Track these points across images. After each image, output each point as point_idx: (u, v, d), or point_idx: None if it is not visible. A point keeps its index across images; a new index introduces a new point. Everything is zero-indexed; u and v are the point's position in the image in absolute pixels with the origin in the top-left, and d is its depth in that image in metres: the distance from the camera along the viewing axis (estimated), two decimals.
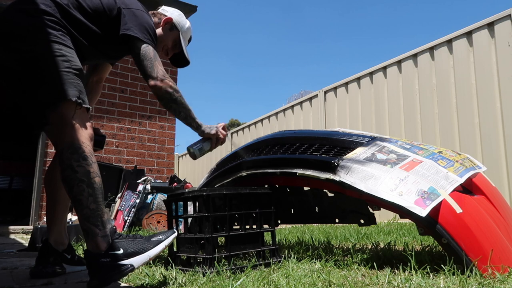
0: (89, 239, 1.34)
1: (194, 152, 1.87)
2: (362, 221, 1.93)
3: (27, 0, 1.55)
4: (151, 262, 1.95)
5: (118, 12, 1.69)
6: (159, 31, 1.92)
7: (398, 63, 4.62)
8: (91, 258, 1.32)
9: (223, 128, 1.90)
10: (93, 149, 1.54)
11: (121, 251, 1.32)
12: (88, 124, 1.48)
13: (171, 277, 1.48)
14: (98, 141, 1.77)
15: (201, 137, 1.88)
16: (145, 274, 1.58)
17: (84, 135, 1.44)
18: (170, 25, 1.99)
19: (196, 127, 1.81)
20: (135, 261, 1.33)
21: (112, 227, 1.39)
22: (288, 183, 2.04)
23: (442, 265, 1.34)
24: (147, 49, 1.67)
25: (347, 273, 1.43)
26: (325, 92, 5.68)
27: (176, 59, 2.08)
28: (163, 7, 2.08)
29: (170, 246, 1.81)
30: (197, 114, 1.84)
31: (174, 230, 1.49)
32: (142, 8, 1.79)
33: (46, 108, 1.44)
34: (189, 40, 2.11)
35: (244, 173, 1.93)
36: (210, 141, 1.86)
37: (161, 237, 1.41)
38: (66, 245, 1.83)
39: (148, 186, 4.65)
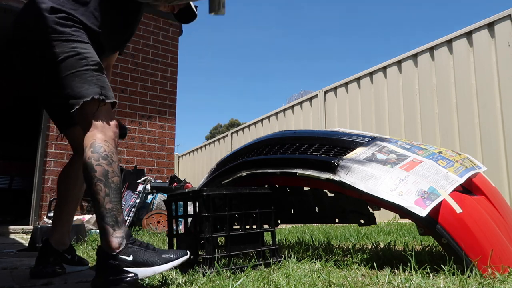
0: (103, 237, 1.34)
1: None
2: (362, 221, 1.93)
3: (35, 0, 1.52)
4: None
5: None
6: None
7: (398, 63, 4.62)
8: (102, 257, 1.32)
9: None
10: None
11: (131, 258, 1.32)
12: (112, 122, 1.47)
13: (171, 277, 1.48)
14: (121, 133, 1.66)
15: None
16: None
17: (108, 133, 1.44)
18: None
19: None
20: (141, 272, 1.31)
21: (128, 230, 1.39)
22: (288, 183, 2.04)
23: (442, 265, 1.34)
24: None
25: (347, 273, 1.43)
26: (325, 92, 5.68)
27: (182, 14, 1.90)
28: None
29: (170, 245, 1.81)
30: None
31: (187, 252, 1.42)
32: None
33: (71, 110, 1.43)
34: None
35: (244, 173, 1.93)
36: None
37: (172, 255, 1.38)
38: (67, 246, 1.83)
39: (148, 186, 4.65)
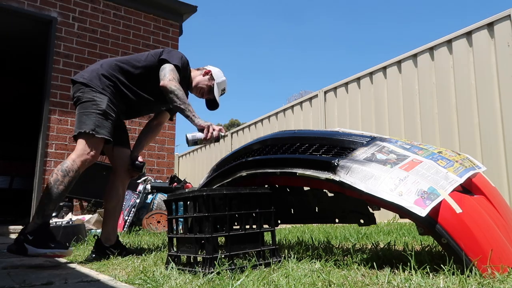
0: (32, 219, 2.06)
1: (187, 138, 2.20)
2: (362, 221, 1.93)
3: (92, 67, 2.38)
4: (152, 262, 1.96)
5: (160, 58, 2.39)
6: (200, 77, 2.57)
7: (398, 63, 4.63)
8: (22, 231, 2.01)
9: (220, 130, 2.25)
10: (134, 172, 2.45)
11: (31, 237, 1.97)
12: (91, 152, 2.14)
13: (171, 277, 1.49)
14: (138, 166, 2.44)
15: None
16: (145, 274, 1.58)
17: (81, 157, 2.11)
18: (209, 75, 2.58)
19: (192, 119, 2.23)
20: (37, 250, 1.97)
21: (47, 221, 2.07)
22: (288, 183, 2.05)
23: (442, 265, 1.34)
24: (167, 65, 2.32)
25: (347, 273, 1.43)
26: (325, 92, 5.68)
27: (210, 103, 2.63)
28: (209, 66, 2.68)
29: (170, 245, 1.81)
30: (197, 114, 2.28)
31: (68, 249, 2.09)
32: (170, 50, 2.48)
33: (73, 134, 2.20)
34: (223, 92, 2.65)
35: (244, 173, 1.94)
36: (203, 132, 2.21)
37: (53, 245, 2.03)
38: (113, 242, 2.39)
39: (148, 186, 4.65)
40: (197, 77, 2.57)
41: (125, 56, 2.50)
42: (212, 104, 2.62)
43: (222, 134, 2.25)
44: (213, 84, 2.56)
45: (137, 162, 2.44)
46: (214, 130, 2.20)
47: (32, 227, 2.00)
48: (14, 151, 8.49)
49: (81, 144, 2.13)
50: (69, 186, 2.06)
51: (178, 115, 2.49)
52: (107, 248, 2.33)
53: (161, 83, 2.23)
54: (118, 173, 2.42)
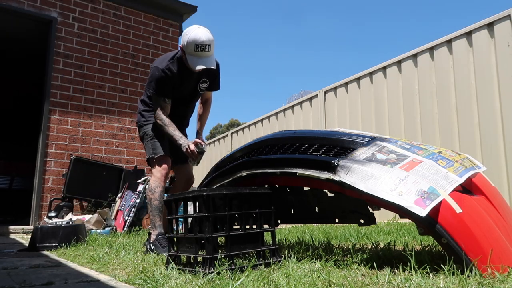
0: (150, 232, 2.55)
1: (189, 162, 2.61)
2: (362, 221, 1.93)
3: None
4: (152, 262, 1.96)
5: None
6: (183, 58, 2.51)
7: (398, 63, 4.62)
8: (147, 240, 2.57)
9: (195, 143, 2.46)
10: (196, 154, 2.59)
11: (153, 247, 2.41)
12: (161, 167, 2.59)
13: (171, 277, 1.49)
14: (200, 149, 2.57)
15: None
16: (145, 274, 1.58)
17: (157, 175, 2.58)
18: (182, 52, 2.50)
19: (175, 141, 2.51)
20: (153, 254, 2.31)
21: (160, 231, 2.50)
22: (288, 183, 2.05)
23: (442, 265, 1.34)
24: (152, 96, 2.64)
25: (347, 273, 1.43)
26: (325, 92, 5.68)
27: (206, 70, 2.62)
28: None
29: (170, 245, 1.81)
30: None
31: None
32: (157, 64, 2.58)
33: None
34: (199, 47, 2.40)
35: (244, 173, 1.94)
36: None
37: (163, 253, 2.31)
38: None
39: None
40: (183, 59, 2.52)
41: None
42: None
43: (201, 147, 2.45)
44: (185, 58, 2.48)
45: (199, 144, 2.55)
46: (188, 149, 2.44)
47: (153, 238, 2.47)
48: (14, 151, 8.49)
49: (151, 165, 2.64)
50: (162, 198, 2.53)
51: None
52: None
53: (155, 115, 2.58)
54: (177, 185, 2.85)
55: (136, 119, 2.83)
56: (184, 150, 2.45)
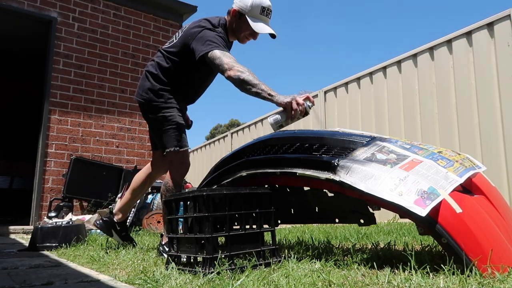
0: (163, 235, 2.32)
1: (270, 123, 1.92)
2: (362, 221, 1.93)
3: (146, 74, 2.37)
4: (153, 262, 1.96)
5: (191, 47, 2.19)
6: (232, 25, 2.30)
7: (398, 63, 4.63)
8: (159, 243, 2.31)
9: (307, 98, 1.90)
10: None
11: (167, 249, 2.05)
12: (182, 162, 2.31)
13: (171, 277, 1.49)
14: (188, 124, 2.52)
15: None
16: (145, 274, 1.58)
17: (177, 172, 2.29)
18: (236, 15, 2.27)
19: (270, 99, 1.93)
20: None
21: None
22: (288, 183, 2.05)
23: (442, 265, 1.34)
24: (212, 54, 2.07)
25: (347, 273, 1.43)
26: (325, 92, 5.68)
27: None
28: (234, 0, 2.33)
29: (170, 245, 1.81)
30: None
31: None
32: (201, 25, 2.21)
33: (163, 153, 2.34)
34: (265, 11, 2.25)
35: (244, 173, 1.94)
36: (286, 111, 1.90)
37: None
38: (122, 220, 2.72)
39: None
40: (232, 26, 2.29)
41: (156, 58, 2.39)
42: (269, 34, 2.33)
43: (310, 104, 1.90)
44: (247, 20, 2.23)
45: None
46: (298, 104, 1.87)
47: (165, 240, 2.23)
48: (14, 151, 8.49)
49: (171, 159, 2.30)
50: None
51: None
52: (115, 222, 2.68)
53: (225, 75, 2.02)
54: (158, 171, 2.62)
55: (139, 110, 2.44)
56: (291, 103, 1.87)
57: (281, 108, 1.94)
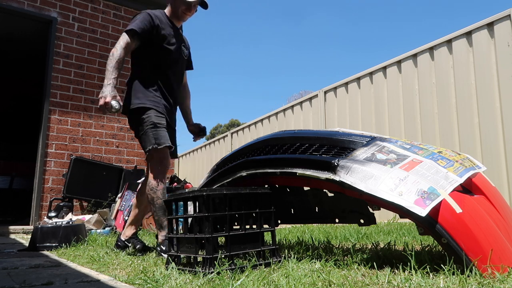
0: (157, 234, 2.35)
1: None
2: (362, 221, 1.93)
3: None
4: (153, 262, 1.96)
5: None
6: (171, 9, 2.56)
7: (398, 63, 4.63)
8: (157, 243, 2.35)
9: (106, 104, 2.15)
10: (199, 137, 2.85)
11: (164, 248, 2.22)
12: (163, 160, 2.33)
13: (171, 277, 1.49)
14: (202, 130, 2.84)
15: None
16: (145, 274, 1.58)
17: (157, 170, 2.32)
18: (169, 3, 2.55)
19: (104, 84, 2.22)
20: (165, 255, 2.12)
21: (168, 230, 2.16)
22: (288, 183, 2.04)
23: (442, 265, 1.34)
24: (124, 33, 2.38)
25: (347, 273, 1.43)
26: (325, 92, 5.68)
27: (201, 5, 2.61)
28: None
29: (170, 245, 1.81)
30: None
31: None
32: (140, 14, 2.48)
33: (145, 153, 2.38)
34: None
35: (244, 173, 1.94)
36: None
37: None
38: (129, 236, 2.61)
39: None
40: (171, 10, 2.55)
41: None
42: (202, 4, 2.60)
43: (114, 104, 2.16)
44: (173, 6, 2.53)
45: (195, 125, 2.77)
46: (101, 101, 2.17)
47: (161, 239, 2.29)
48: (14, 151, 8.49)
49: (150, 160, 2.37)
50: (164, 196, 2.29)
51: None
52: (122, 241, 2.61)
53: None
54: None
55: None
56: (100, 98, 2.17)
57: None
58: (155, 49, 2.43)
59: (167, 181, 5.58)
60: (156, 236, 2.37)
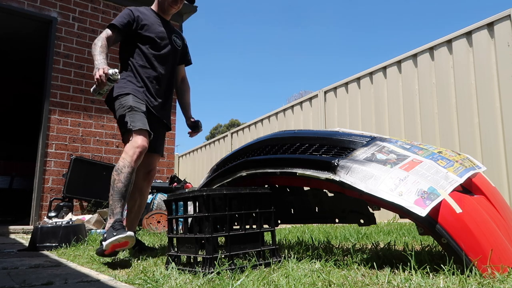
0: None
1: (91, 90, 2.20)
2: (362, 221, 1.93)
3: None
4: (152, 262, 1.96)
5: None
6: (158, 3, 2.60)
7: (398, 63, 4.63)
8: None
9: (104, 72, 2.08)
10: (194, 133, 2.74)
11: (106, 235, 1.99)
12: (137, 142, 2.19)
13: (171, 277, 1.49)
14: (196, 125, 2.74)
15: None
16: (145, 274, 1.58)
17: (130, 153, 2.18)
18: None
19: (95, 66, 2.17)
20: (105, 243, 1.93)
21: (118, 217, 2.07)
22: (288, 183, 2.05)
23: (442, 265, 1.34)
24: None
25: (347, 273, 1.43)
26: (325, 92, 5.68)
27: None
28: None
29: (170, 245, 1.81)
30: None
31: (130, 234, 1.96)
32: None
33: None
34: None
35: (244, 173, 1.94)
36: None
37: (115, 234, 1.95)
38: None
39: None
40: (158, 5, 2.59)
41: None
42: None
43: (111, 72, 2.08)
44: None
45: (192, 120, 2.74)
46: (98, 72, 2.09)
47: (106, 227, 2.09)
48: (14, 151, 8.49)
49: (127, 141, 2.24)
50: (128, 182, 2.15)
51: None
52: None
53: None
54: (138, 175, 2.46)
55: None
56: (95, 73, 2.11)
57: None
58: (140, 41, 2.45)
59: (167, 181, 5.59)
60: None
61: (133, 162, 2.16)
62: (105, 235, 2.00)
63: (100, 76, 2.08)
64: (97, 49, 2.23)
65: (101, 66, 2.12)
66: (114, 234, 1.94)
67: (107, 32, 2.37)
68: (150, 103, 2.41)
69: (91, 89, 2.18)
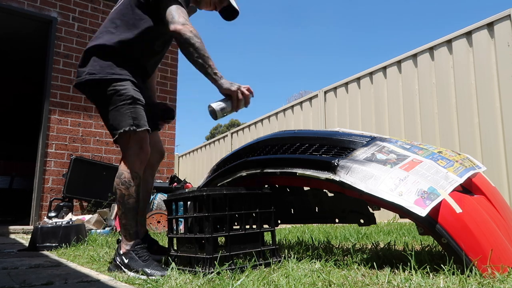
0: (121, 240, 1.80)
1: (215, 110, 1.68)
2: (362, 221, 1.93)
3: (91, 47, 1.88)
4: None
5: None
6: None
7: (398, 63, 4.63)
8: (115, 253, 1.80)
9: (248, 90, 1.74)
10: (166, 122, 2.19)
11: (127, 261, 1.73)
12: (143, 147, 1.81)
13: (171, 277, 1.49)
14: (170, 114, 2.19)
15: (223, 96, 1.73)
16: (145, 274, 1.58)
17: (134, 159, 1.79)
18: None
19: (213, 78, 1.69)
20: (129, 273, 1.69)
21: (137, 241, 1.77)
22: (288, 183, 2.05)
23: (442, 265, 1.34)
24: (172, 6, 1.77)
25: (347, 273, 1.43)
26: (325, 92, 5.68)
27: (226, 12, 2.12)
28: None
29: (170, 245, 1.82)
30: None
31: (164, 273, 1.60)
32: None
33: (113, 139, 1.86)
34: None
35: (244, 173, 1.94)
36: (231, 99, 1.71)
37: (148, 271, 1.64)
38: (141, 235, 1.98)
39: None
40: None
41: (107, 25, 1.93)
42: (228, 13, 2.12)
43: (252, 96, 1.77)
44: None
45: (166, 109, 2.20)
46: (243, 95, 1.71)
47: (125, 249, 1.75)
48: (14, 151, 8.50)
49: (125, 145, 1.81)
50: (139, 194, 1.80)
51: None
52: None
53: (172, 27, 1.73)
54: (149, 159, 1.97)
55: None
56: (237, 93, 1.69)
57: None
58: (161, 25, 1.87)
59: (167, 181, 5.59)
60: (118, 241, 1.86)
61: (141, 172, 1.82)
62: (126, 260, 1.71)
63: (248, 89, 1.73)
64: (204, 48, 1.73)
65: (238, 85, 1.72)
66: (145, 267, 1.65)
67: (183, 11, 1.78)
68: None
69: (218, 108, 1.70)
